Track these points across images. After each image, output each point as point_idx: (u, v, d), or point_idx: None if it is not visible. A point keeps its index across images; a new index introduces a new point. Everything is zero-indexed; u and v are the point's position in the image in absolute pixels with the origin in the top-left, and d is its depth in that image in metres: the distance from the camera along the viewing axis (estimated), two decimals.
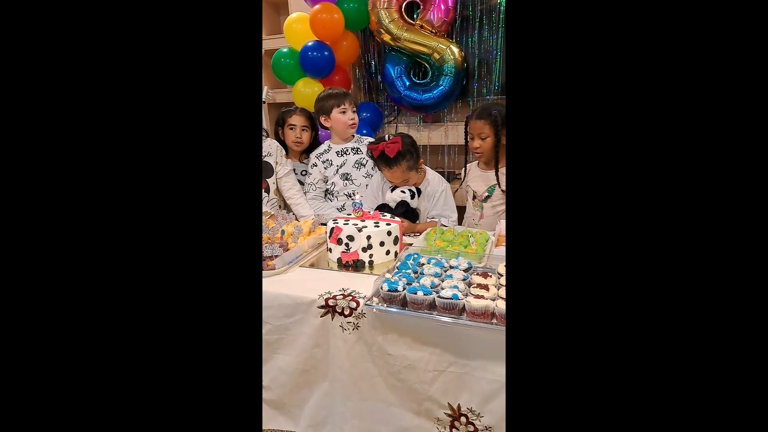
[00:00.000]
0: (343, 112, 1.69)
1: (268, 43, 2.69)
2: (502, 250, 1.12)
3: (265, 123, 2.42)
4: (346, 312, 0.95)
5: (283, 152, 1.84)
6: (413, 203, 1.52)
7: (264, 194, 1.76)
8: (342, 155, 1.76)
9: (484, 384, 0.86)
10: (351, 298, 0.96)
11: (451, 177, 2.24)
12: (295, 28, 2.23)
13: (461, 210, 1.69)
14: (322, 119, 1.74)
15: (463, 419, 0.90)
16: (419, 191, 1.53)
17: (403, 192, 1.50)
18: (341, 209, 1.77)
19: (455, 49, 2.09)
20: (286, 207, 1.85)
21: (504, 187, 1.50)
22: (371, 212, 1.33)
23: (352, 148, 1.77)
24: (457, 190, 1.68)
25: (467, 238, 1.23)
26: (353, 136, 1.80)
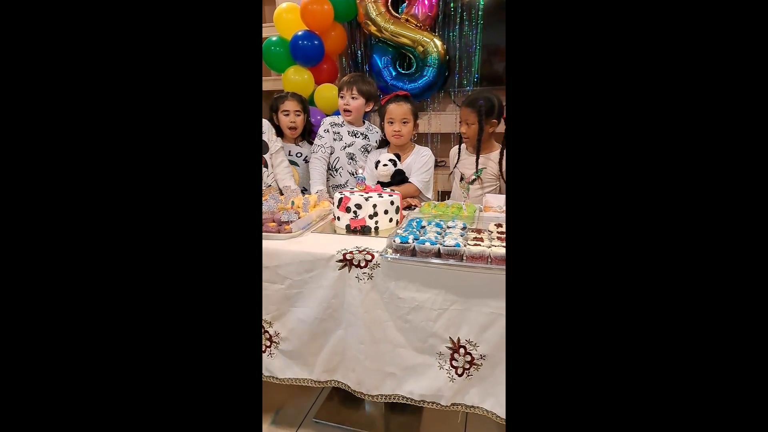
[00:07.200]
0: (342, 98, 1.85)
1: None
2: (489, 215, 1.31)
3: None
4: (362, 264, 1.10)
5: (273, 131, 1.95)
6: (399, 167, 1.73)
7: (264, 169, 1.88)
8: (352, 136, 1.93)
9: (481, 317, 1.03)
10: (366, 252, 1.11)
11: (435, 164, 2.42)
12: (285, 18, 2.32)
13: (448, 195, 1.87)
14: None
15: (462, 350, 1.07)
16: (398, 156, 1.73)
17: (385, 165, 1.68)
18: (344, 185, 1.92)
19: (438, 42, 2.26)
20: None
21: (503, 171, 1.67)
22: (372, 186, 1.48)
23: (362, 134, 1.94)
24: (451, 173, 1.85)
25: (459, 208, 1.41)
26: (364, 122, 1.97)
